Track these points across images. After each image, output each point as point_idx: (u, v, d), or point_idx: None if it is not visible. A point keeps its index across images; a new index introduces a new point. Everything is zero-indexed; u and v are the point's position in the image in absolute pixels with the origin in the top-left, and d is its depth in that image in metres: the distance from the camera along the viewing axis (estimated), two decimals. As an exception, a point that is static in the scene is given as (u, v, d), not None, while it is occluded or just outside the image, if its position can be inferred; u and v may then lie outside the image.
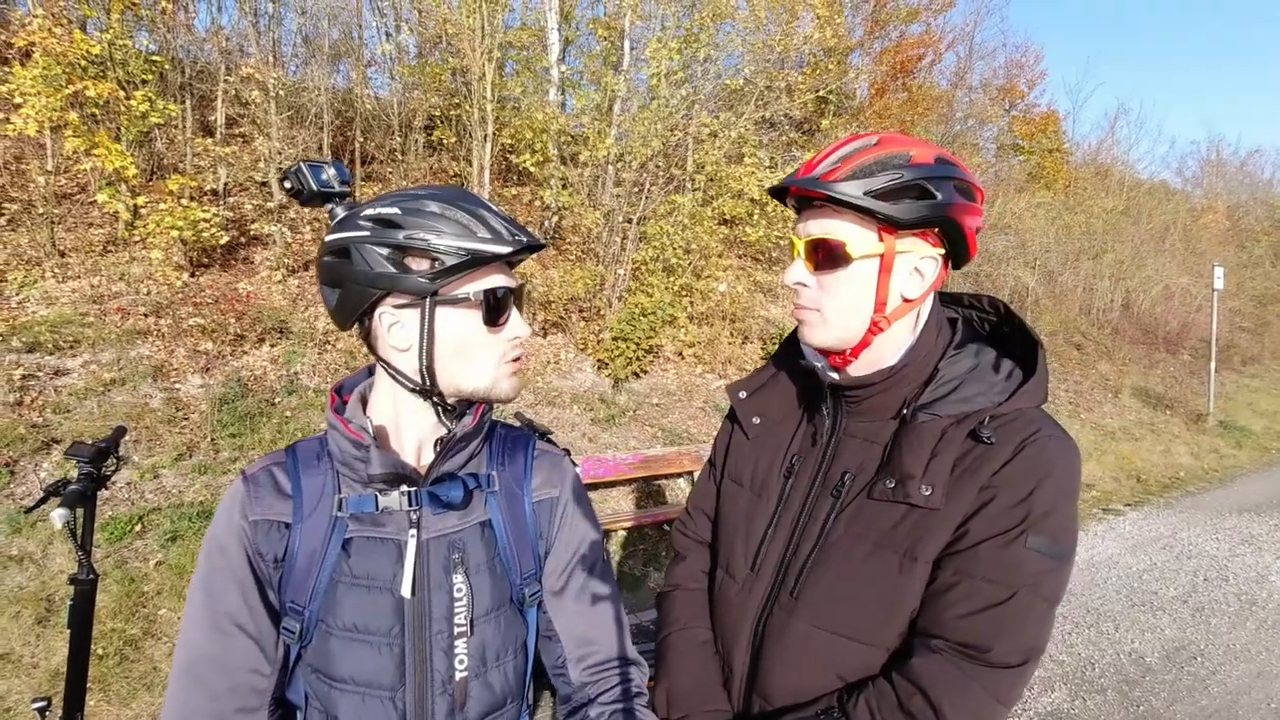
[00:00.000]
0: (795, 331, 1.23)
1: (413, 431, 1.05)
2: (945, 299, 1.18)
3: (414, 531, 1.00)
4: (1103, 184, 18.98)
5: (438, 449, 1.04)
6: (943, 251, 1.05)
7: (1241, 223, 24.81)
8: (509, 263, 1.05)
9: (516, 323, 1.02)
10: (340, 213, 1.01)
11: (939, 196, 0.99)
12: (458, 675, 1.01)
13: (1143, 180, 21.26)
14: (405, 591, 0.98)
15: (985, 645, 0.95)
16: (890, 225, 1.00)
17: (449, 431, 1.05)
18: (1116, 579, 5.42)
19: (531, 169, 8.44)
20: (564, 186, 8.55)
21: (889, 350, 1.08)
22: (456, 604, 1.01)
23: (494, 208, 1.00)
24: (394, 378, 1.02)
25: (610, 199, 8.59)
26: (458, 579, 1.02)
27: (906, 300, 1.06)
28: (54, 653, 3.35)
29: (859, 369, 1.10)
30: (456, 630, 1.01)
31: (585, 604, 1.12)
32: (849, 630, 1.05)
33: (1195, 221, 21.34)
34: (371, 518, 1.01)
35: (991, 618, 0.95)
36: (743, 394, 1.30)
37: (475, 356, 0.99)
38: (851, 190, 0.98)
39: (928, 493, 1.00)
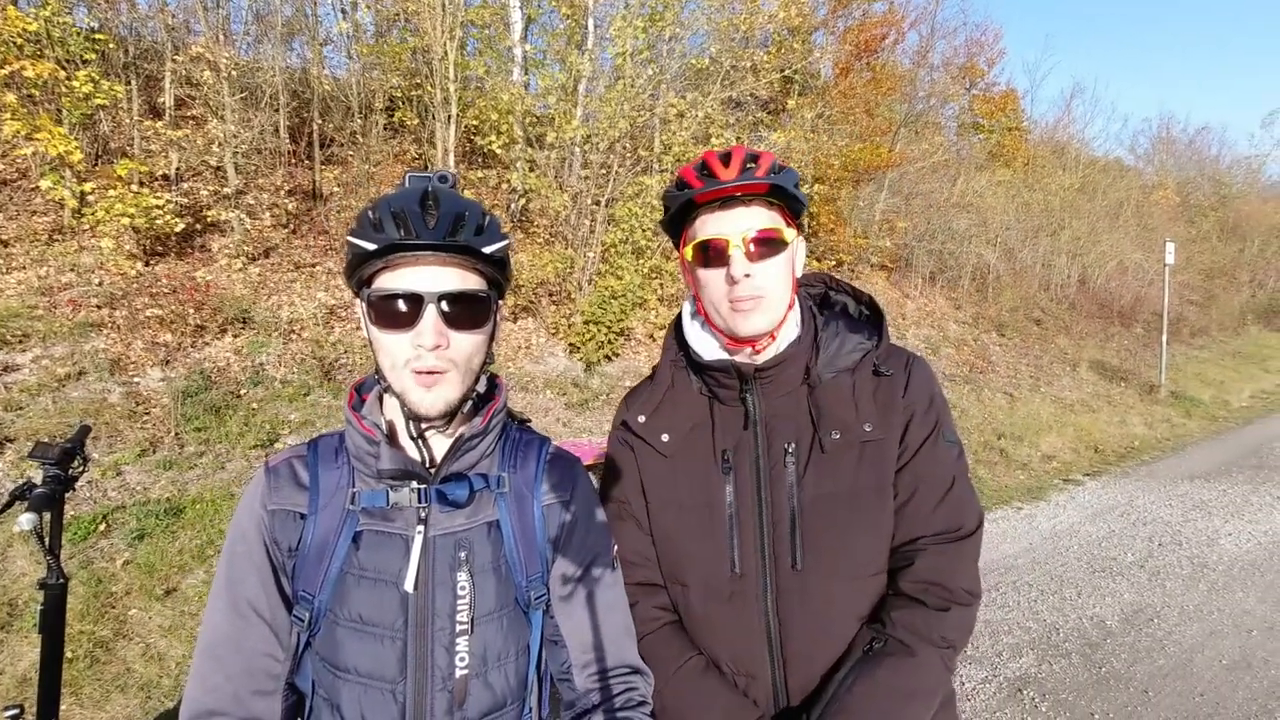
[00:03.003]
0: (675, 338, 1.32)
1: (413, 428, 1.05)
2: None
3: (421, 528, 1.01)
4: (1060, 161, 19.42)
5: (418, 440, 1.04)
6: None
7: (1191, 199, 25.67)
8: (480, 270, 1.01)
9: (423, 329, 0.94)
10: None
11: (801, 191, 1.20)
12: (458, 673, 1.01)
13: (1098, 158, 21.86)
14: (408, 586, 0.99)
15: (957, 525, 1.16)
16: (792, 214, 1.20)
17: (415, 430, 1.04)
18: (1078, 547, 5.62)
19: (497, 151, 8.30)
20: (531, 169, 8.43)
21: (788, 326, 1.22)
22: (459, 602, 1.02)
23: (414, 203, 0.95)
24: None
25: (578, 181, 8.51)
26: (461, 577, 1.02)
27: (796, 279, 1.23)
28: (20, 658, 3.25)
29: (773, 348, 1.22)
30: (458, 628, 1.01)
31: (592, 610, 1.12)
32: (858, 570, 1.17)
33: (1147, 198, 22.02)
34: (382, 513, 1.03)
35: (950, 503, 1.16)
36: (642, 418, 1.28)
37: (381, 357, 0.99)
38: (787, 183, 1.14)
39: (870, 428, 1.17)
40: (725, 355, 1.23)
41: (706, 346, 1.25)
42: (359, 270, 0.98)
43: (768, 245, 1.15)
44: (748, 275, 1.13)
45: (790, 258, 1.19)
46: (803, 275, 1.31)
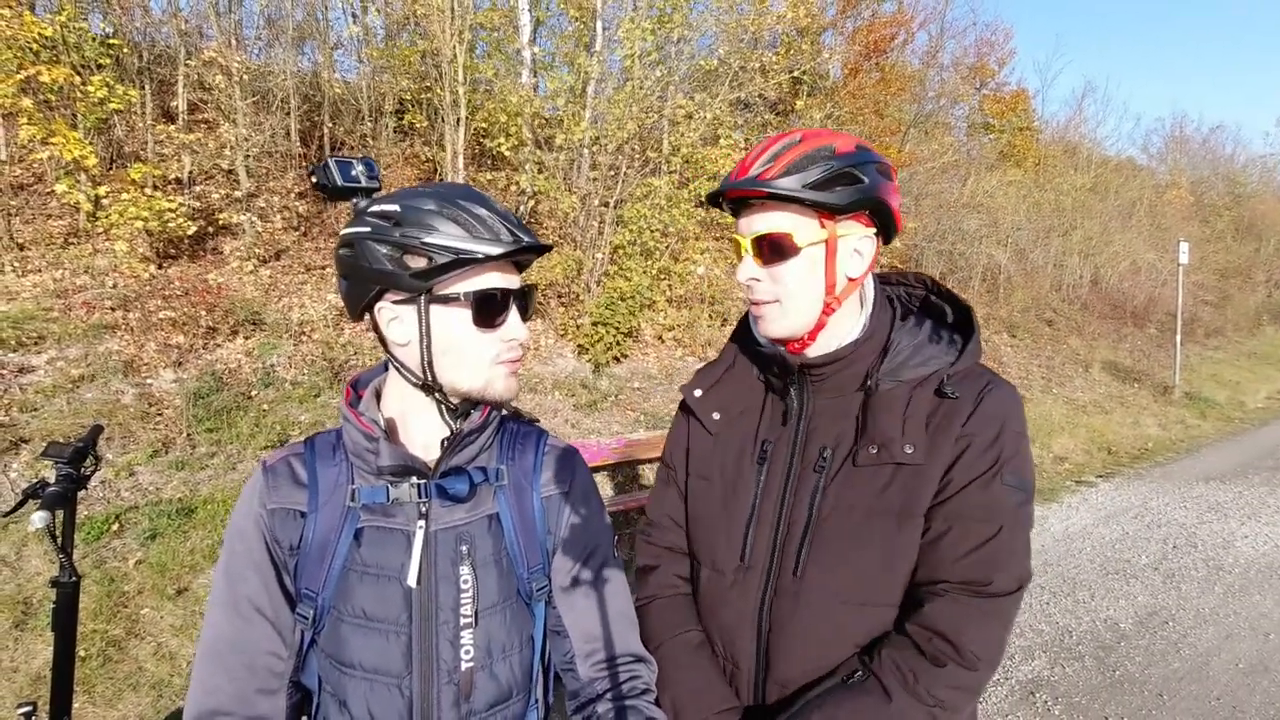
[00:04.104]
0: (743, 322, 1.29)
1: (421, 425, 1.06)
2: (877, 279, 1.25)
3: (422, 523, 1.02)
4: (1071, 161, 19.27)
5: (444, 443, 1.05)
6: (875, 230, 1.13)
7: (1204, 198, 25.41)
8: (516, 263, 1.06)
9: (514, 324, 1.02)
10: (362, 206, 1.02)
11: (866, 180, 1.07)
12: (463, 665, 1.02)
13: (1110, 157, 21.68)
14: (411, 581, 1.00)
15: (986, 579, 1.03)
16: (829, 212, 1.08)
17: (455, 427, 1.06)
18: (1091, 549, 5.57)
19: (506, 153, 8.33)
20: (539, 171, 8.45)
21: (843, 327, 1.15)
22: (463, 595, 1.03)
23: (497, 207, 1.00)
24: (399, 372, 1.04)
25: (586, 183, 8.52)
26: (464, 571, 1.03)
27: (851, 280, 1.13)
28: (34, 656, 3.28)
29: (817, 349, 1.16)
30: (462, 621, 1.02)
31: (594, 600, 1.13)
32: (859, 596, 1.10)
33: (1160, 197, 21.81)
34: (383, 509, 1.03)
35: (986, 553, 1.03)
36: (698, 392, 1.30)
37: (467, 356, 1.00)
38: (790, 184, 1.05)
39: (910, 451, 1.08)
40: (780, 347, 1.19)
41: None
42: (441, 275, 0.95)
43: (772, 250, 1.08)
44: (756, 279, 1.10)
45: (818, 260, 1.09)
46: (906, 273, 1.27)
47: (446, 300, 0.98)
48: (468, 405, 1.05)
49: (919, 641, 1.03)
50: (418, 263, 0.96)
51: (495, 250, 0.95)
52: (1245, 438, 10.46)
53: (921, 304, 1.25)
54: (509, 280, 1.03)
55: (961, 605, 1.03)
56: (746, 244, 1.10)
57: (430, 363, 1.00)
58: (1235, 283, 22.70)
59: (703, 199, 9.15)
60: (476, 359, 1.00)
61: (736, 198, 1.11)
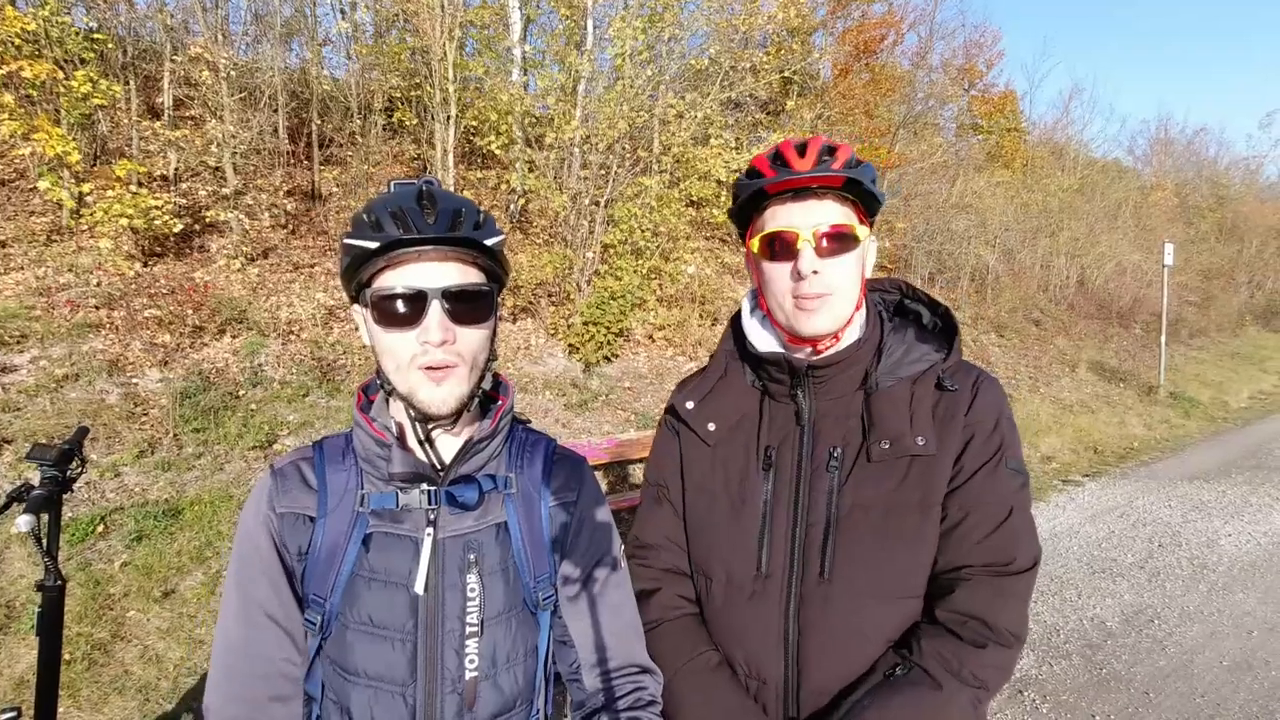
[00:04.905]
0: (734, 328, 1.29)
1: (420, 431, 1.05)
2: None
3: (430, 530, 1.01)
4: (1058, 163, 19.43)
5: (459, 450, 1.04)
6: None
7: (1189, 200, 25.67)
8: (484, 267, 1.01)
9: (429, 325, 0.94)
10: None
11: (879, 188, 1.14)
12: (468, 675, 1.01)
13: (1096, 159, 21.83)
14: (419, 588, 0.99)
15: (1008, 558, 1.08)
16: (865, 212, 1.14)
17: (421, 434, 1.04)
18: (1078, 548, 5.62)
19: (496, 151, 8.30)
20: (530, 169, 8.42)
21: (851, 327, 1.17)
22: (469, 604, 1.01)
23: (423, 200, 0.95)
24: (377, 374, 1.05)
25: (577, 181, 8.49)
26: (471, 579, 1.02)
27: (865, 279, 1.18)
28: (16, 660, 3.24)
29: (833, 348, 1.17)
30: (468, 630, 1.01)
31: (601, 610, 1.12)
32: (890, 590, 1.11)
33: (1145, 199, 22.01)
34: (391, 514, 1.02)
35: (1003, 535, 1.09)
36: (690, 404, 1.27)
37: (385, 359, 0.99)
38: (865, 179, 1.08)
39: (922, 442, 1.11)
40: (780, 349, 1.20)
41: (764, 340, 1.22)
42: (359, 272, 0.96)
43: (839, 241, 1.10)
44: (815, 272, 1.09)
45: (861, 256, 1.14)
46: (880, 280, 1.29)
47: (366, 300, 0.97)
48: (424, 414, 1.00)
49: (954, 627, 1.06)
50: (343, 262, 0.98)
51: (372, 245, 0.93)
52: (1228, 437, 10.58)
53: (896, 308, 1.30)
54: (431, 277, 0.95)
55: (989, 586, 1.07)
56: (808, 235, 1.09)
57: (379, 366, 1.01)
58: (1219, 284, 22.96)
59: (693, 197, 9.19)
60: (393, 363, 0.97)
61: (783, 189, 1.11)
